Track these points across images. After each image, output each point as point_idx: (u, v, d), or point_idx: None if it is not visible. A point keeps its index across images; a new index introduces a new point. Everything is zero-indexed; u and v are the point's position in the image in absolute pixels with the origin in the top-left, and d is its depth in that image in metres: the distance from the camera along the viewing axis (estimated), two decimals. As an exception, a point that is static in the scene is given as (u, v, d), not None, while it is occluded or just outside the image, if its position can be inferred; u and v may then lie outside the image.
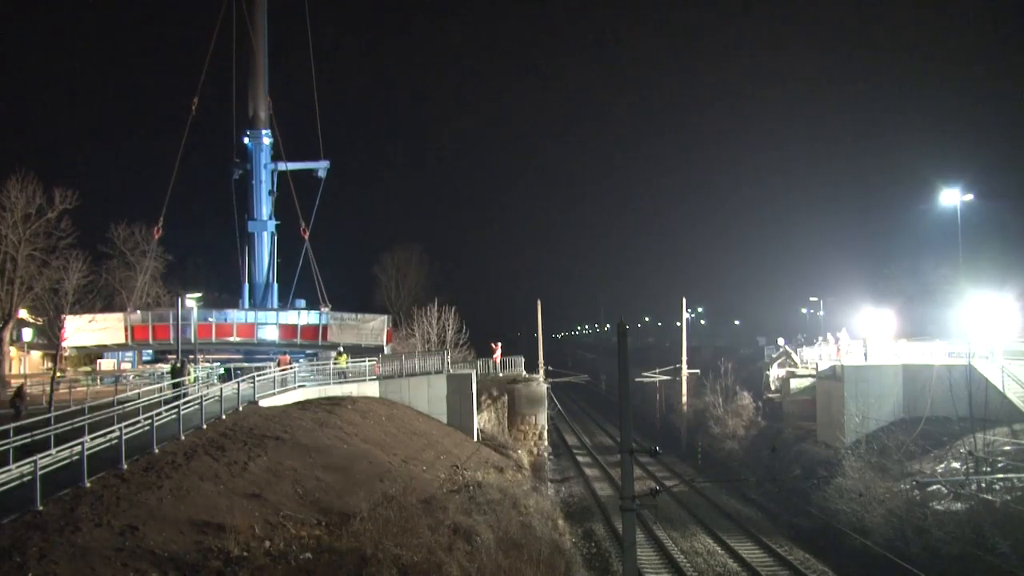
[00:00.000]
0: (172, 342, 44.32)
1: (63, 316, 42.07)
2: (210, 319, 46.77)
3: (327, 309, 47.82)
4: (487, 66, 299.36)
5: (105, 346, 44.99)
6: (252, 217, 51.65)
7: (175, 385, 28.42)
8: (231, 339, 46.48)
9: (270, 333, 47.06)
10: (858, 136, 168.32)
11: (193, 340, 44.29)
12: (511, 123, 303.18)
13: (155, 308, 47.51)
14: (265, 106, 52.27)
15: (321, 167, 53.47)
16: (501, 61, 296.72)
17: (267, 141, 52.32)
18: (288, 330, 47.14)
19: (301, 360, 43.25)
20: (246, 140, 51.77)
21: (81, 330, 42.35)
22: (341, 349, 44.68)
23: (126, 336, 44.91)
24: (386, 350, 46.51)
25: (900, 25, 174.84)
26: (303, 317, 47.63)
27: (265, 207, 52.03)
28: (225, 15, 50.63)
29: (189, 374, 32.26)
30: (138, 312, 46.55)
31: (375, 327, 47.19)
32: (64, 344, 42.70)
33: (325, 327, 46.78)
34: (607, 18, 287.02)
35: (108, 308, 52.37)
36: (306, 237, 51.03)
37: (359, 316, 48.24)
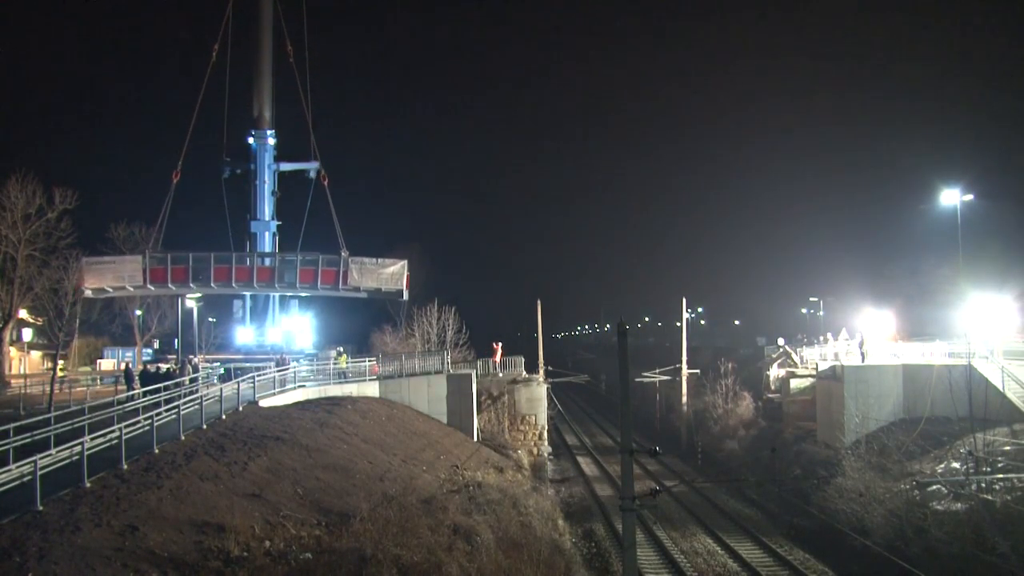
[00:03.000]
0: (193, 287, 43.97)
1: (81, 258, 42.71)
2: (228, 262, 46.16)
3: (346, 254, 47.34)
4: (492, 68, 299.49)
5: (124, 288, 44.71)
6: (255, 218, 51.60)
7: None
8: (251, 283, 45.96)
9: (290, 276, 46.63)
10: (858, 136, 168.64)
11: (212, 284, 44.26)
12: (513, 124, 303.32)
13: (173, 251, 46.75)
14: (270, 106, 52.14)
15: (312, 168, 53.48)
16: (507, 63, 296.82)
17: (271, 142, 52.19)
18: (308, 274, 46.59)
19: (301, 360, 43.20)
20: (250, 140, 51.61)
21: (100, 273, 42.43)
22: (341, 349, 44.47)
23: (144, 279, 44.35)
24: (405, 295, 46.79)
25: (899, 26, 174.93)
26: (323, 261, 47.11)
27: (268, 208, 51.99)
28: (231, 12, 50.52)
29: (189, 374, 32.19)
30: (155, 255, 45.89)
31: (395, 272, 46.99)
32: (84, 287, 42.85)
33: (346, 271, 46.47)
34: (612, 24, 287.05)
35: (108, 306, 52.39)
36: (326, 183, 50.73)
37: (379, 260, 47.98)
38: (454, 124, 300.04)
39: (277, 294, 48.39)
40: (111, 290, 44.62)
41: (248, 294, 51.30)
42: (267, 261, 47.16)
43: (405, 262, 47.85)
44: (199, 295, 47.12)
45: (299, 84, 51.17)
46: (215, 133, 51.96)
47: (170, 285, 44.81)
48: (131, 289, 45.00)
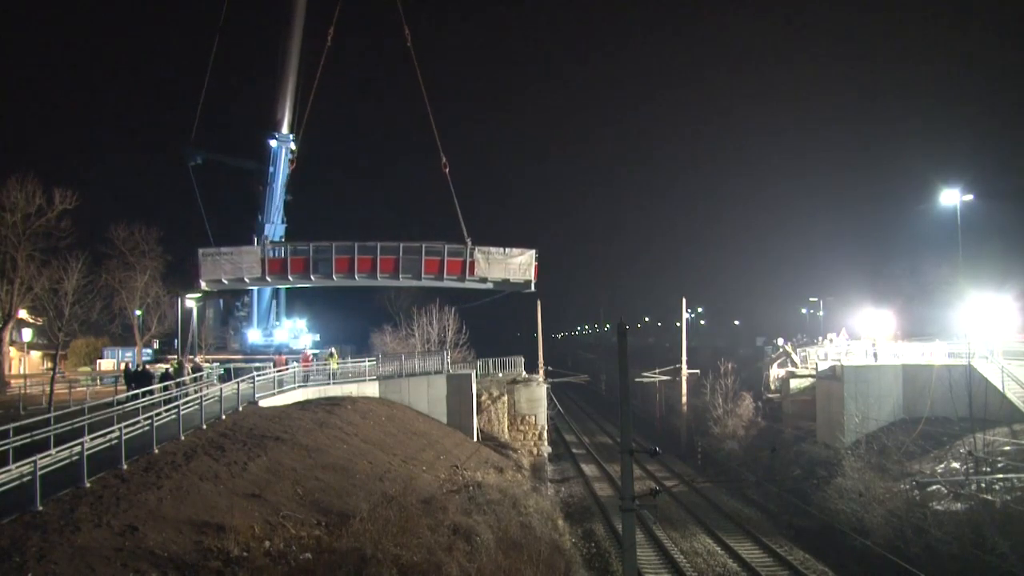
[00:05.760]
0: (313, 279, 42.76)
1: (198, 250, 42.12)
2: (350, 252, 43.92)
3: (471, 243, 45.14)
4: (493, 66, 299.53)
5: (241, 280, 43.59)
6: (269, 220, 51.49)
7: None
8: (375, 274, 44.09)
9: (413, 267, 44.42)
10: (858, 136, 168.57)
11: (333, 276, 43.28)
12: (513, 122, 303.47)
13: (295, 241, 45.75)
14: (291, 109, 52.01)
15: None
16: (509, 61, 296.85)
17: (292, 146, 51.87)
18: (432, 264, 44.53)
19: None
20: (272, 143, 51.29)
21: (217, 265, 41.81)
22: (332, 351, 43.97)
23: (262, 270, 43.17)
24: (533, 287, 45.10)
25: (899, 26, 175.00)
26: (448, 251, 44.87)
27: (280, 209, 52.02)
28: (229, 10, 50.67)
29: (189, 374, 32.17)
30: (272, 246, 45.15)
31: (523, 262, 44.86)
32: (200, 280, 42.27)
33: (472, 261, 44.33)
34: (617, 25, 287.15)
35: (108, 308, 52.34)
36: (447, 172, 48.40)
37: (506, 250, 45.43)
38: (456, 122, 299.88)
39: (401, 286, 46.50)
40: (227, 282, 43.37)
41: (255, 293, 51.33)
42: (389, 251, 44.67)
43: (534, 251, 45.57)
44: (199, 294, 46.95)
45: (417, 73, 49.61)
46: (220, 128, 52.03)
47: (289, 277, 43.64)
48: (248, 281, 43.82)
